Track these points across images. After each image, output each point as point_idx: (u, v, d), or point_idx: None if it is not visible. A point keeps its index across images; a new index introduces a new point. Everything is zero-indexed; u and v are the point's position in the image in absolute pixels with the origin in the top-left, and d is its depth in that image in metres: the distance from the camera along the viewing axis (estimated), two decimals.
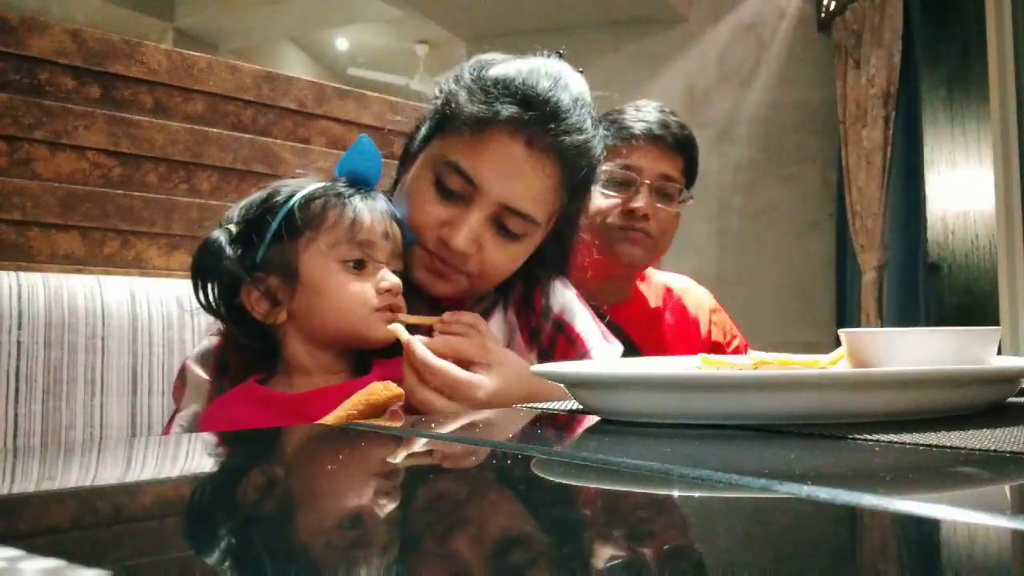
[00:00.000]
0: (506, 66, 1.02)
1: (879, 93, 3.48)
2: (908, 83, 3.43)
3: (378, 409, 0.84)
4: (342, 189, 0.97)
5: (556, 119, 0.99)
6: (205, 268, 0.95)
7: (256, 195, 0.99)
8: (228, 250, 0.94)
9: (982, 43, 3.10)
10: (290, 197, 0.96)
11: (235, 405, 0.93)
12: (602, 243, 1.47)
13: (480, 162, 0.98)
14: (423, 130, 1.08)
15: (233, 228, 0.96)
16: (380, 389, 0.84)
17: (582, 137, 1.01)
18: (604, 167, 1.45)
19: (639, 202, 1.48)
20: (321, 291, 0.93)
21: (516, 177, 0.98)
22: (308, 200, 0.95)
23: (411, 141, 1.11)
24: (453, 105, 1.00)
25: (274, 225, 0.94)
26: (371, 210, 0.96)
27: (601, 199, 1.48)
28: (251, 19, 6.56)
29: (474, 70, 1.03)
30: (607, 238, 1.48)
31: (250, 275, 0.94)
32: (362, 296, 0.93)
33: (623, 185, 1.49)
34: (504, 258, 1.03)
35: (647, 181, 1.49)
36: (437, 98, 1.06)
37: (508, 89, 0.98)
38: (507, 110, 0.97)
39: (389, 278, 0.95)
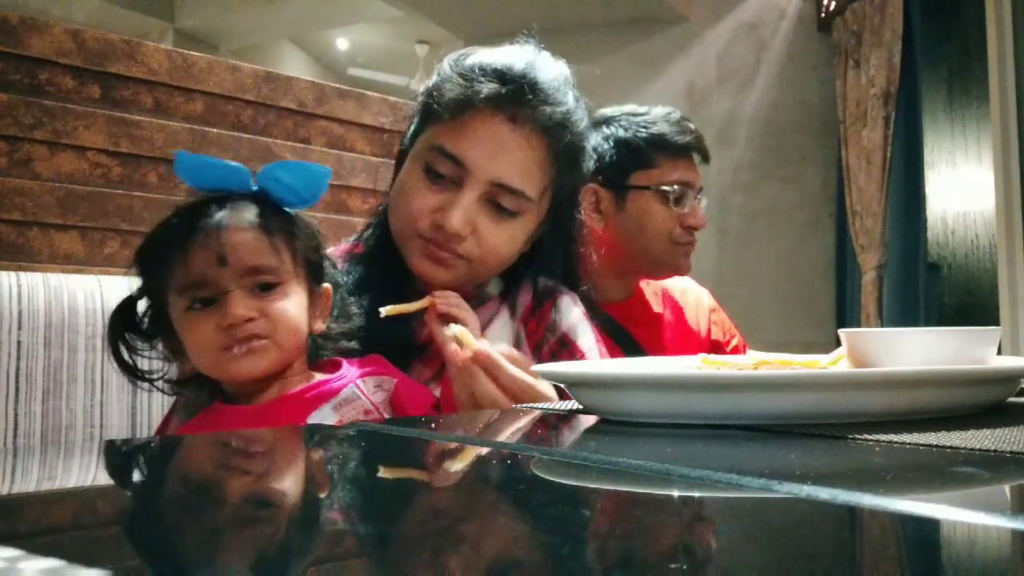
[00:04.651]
0: (482, 53, 1.06)
1: (879, 93, 3.48)
2: (908, 83, 3.43)
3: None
4: (183, 221, 0.91)
5: (534, 92, 1.01)
6: (116, 339, 0.94)
7: (140, 245, 0.96)
8: (126, 319, 0.94)
9: (982, 43, 3.11)
10: (147, 252, 0.93)
11: (204, 427, 0.92)
12: (659, 255, 1.51)
13: (466, 143, 1.00)
14: (410, 129, 1.10)
15: (135, 292, 0.96)
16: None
17: (562, 109, 1.03)
18: (673, 187, 1.47)
19: (699, 218, 1.52)
20: (184, 341, 0.91)
21: (503, 154, 1.00)
22: (154, 248, 0.92)
23: (401, 143, 1.13)
24: (436, 95, 1.02)
25: (145, 286, 0.93)
26: (197, 241, 0.89)
27: (663, 214, 1.50)
28: (251, 19, 6.55)
29: (453, 61, 1.06)
30: (667, 253, 1.51)
31: (152, 333, 0.94)
32: (202, 338, 0.89)
33: (680, 200, 1.51)
34: (502, 238, 1.04)
35: (694, 195, 1.53)
36: (422, 95, 1.08)
37: (485, 71, 1.01)
38: (487, 88, 0.99)
39: (230, 313, 0.88)
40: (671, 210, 1.50)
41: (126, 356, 0.94)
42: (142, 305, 0.96)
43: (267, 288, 0.90)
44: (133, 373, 0.95)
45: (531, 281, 1.14)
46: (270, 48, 7.32)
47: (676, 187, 1.49)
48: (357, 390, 0.92)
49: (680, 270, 1.57)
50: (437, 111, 1.02)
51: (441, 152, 1.01)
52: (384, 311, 0.94)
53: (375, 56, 7.29)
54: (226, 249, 0.88)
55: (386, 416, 0.93)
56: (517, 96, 1.00)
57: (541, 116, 1.01)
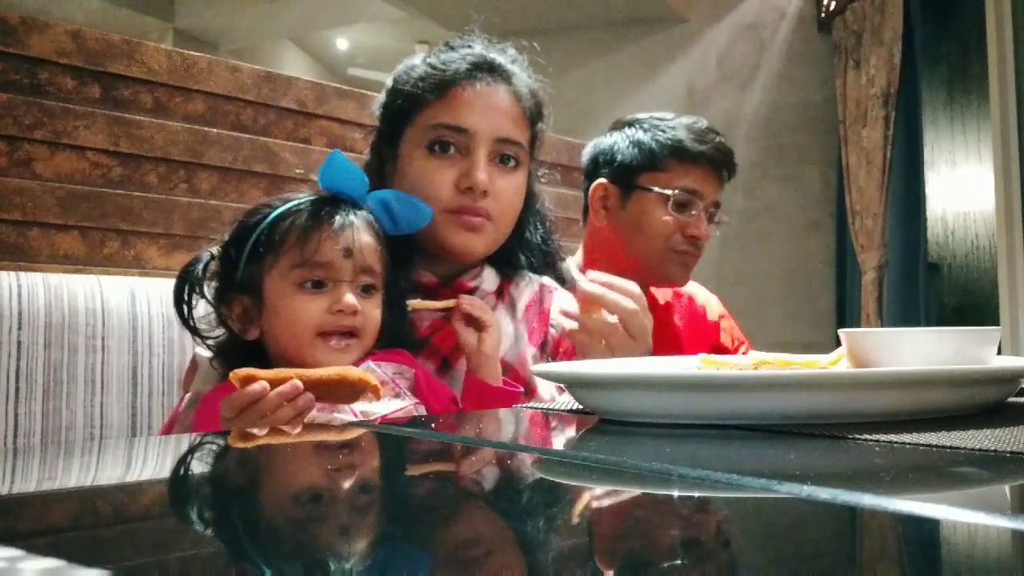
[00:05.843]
0: (435, 55, 1.17)
1: (879, 93, 3.48)
2: (908, 83, 3.43)
3: (345, 387, 0.88)
4: (316, 207, 0.99)
5: (500, 65, 1.16)
6: (182, 290, 1.00)
7: (245, 211, 1.03)
8: (202, 274, 1.00)
9: (982, 43, 3.10)
10: (263, 218, 0.99)
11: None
12: (655, 259, 1.50)
13: (463, 111, 1.10)
14: (383, 132, 1.17)
15: (215, 250, 1.01)
16: (356, 371, 0.88)
17: (524, 74, 1.18)
18: (674, 190, 1.47)
19: (702, 230, 1.50)
20: (277, 313, 0.97)
21: (495, 112, 1.12)
22: (278, 221, 0.98)
23: (377, 149, 1.19)
24: (420, 85, 1.12)
25: (247, 248, 0.98)
26: (333, 229, 0.97)
27: (663, 217, 1.49)
28: (251, 19, 6.55)
29: (421, 60, 1.16)
30: (661, 258, 1.50)
31: (226, 295, 0.99)
32: (306, 315, 0.96)
33: (685, 208, 1.50)
34: (513, 191, 1.14)
35: (704, 207, 1.50)
36: (386, 105, 1.17)
37: (455, 57, 1.14)
38: (465, 65, 1.13)
39: (343, 299, 0.96)
40: (671, 215, 1.48)
41: (191, 316, 1.01)
42: (212, 267, 1.02)
43: (367, 290, 1.00)
44: (193, 330, 1.02)
45: (526, 277, 1.20)
46: (270, 48, 7.32)
47: (677, 191, 1.48)
48: (372, 365, 0.98)
49: (673, 279, 1.54)
50: (423, 97, 1.11)
51: (443, 127, 1.10)
52: (411, 304, 1.03)
53: (375, 56, 7.28)
54: (354, 244, 0.98)
55: (408, 396, 0.99)
56: (490, 68, 1.14)
57: (512, 80, 1.15)
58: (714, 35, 4.22)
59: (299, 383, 0.85)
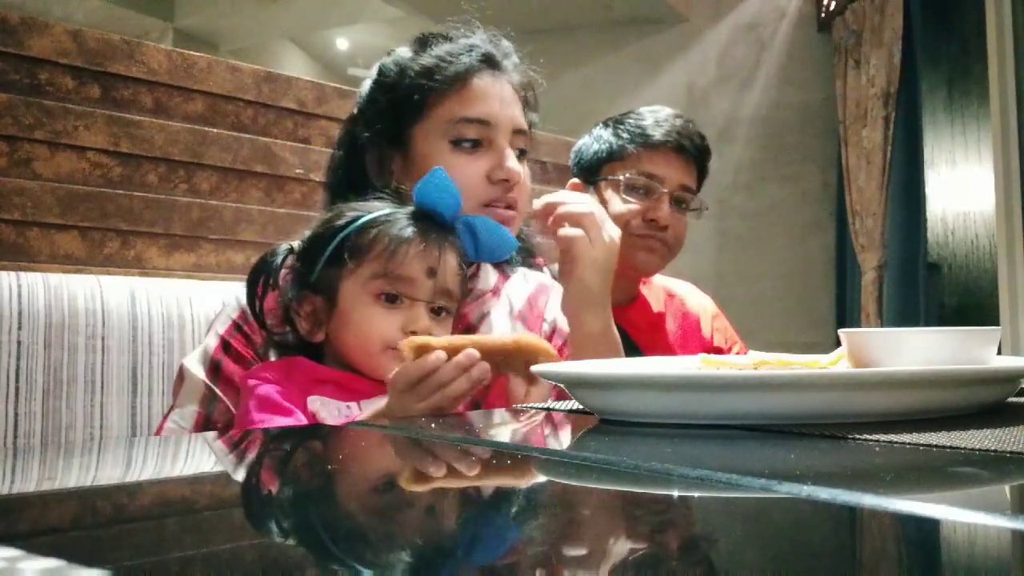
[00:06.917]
0: (439, 43, 1.15)
1: (879, 93, 3.48)
2: (908, 83, 3.43)
3: (520, 355, 0.86)
4: (408, 221, 0.96)
5: (500, 54, 1.17)
6: (257, 280, 0.98)
7: (329, 213, 1.01)
8: (279, 267, 0.98)
9: (982, 43, 3.10)
10: (351, 222, 0.96)
11: (290, 370, 0.94)
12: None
13: (482, 103, 1.11)
14: (385, 131, 1.13)
15: (296, 245, 0.99)
16: (531, 337, 0.87)
17: (521, 66, 1.19)
18: (625, 175, 1.48)
19: (661, 212, 1.49)
20: (349, 320, 0.95)
21: (507, 102, 1.13)
22: (364, 228, 0.96)
23: (376, 149, 1.15)
24: (433, 80, 1.10)
25: (328, 249, 0.96)
26: (422, 246, 0.95)
27: (620, 204, 1.49)
28: (251, 19, 6.56)
29: (415, 52, 1.15)
30: (624, 244, 1.49)
31: (299, 294, 0.97)
32: (379, 329, 0.93)
33: (644, 192, 1.50)
34: (528, 180, 1.15)
35: (668, 191, 1.50)
36: (387, 100, 1.13)
37: (459, 48, 1.14)
38: (474, 58, 1.12)
39: (419, 322, 0.94)
40: (629, 200, 1.49)
41: (257, 305, 0.99)
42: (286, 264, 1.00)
43: (438, 312, 0.97)
44: (261, 323, 0.99)
45: (522, 274, 1.20)
46: (270, 48, 7.32)
47: (630, 175, 1.49)
48: None
49: (639, 266, 1.51)
50: (437, 91, 1.10)
51: (466, 120, 1.10)
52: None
53: (375, 56, 7.24)
54: (439, 265, 0.96)
55: None
56: (492, 59, 1.14)
57: (513, 69, 1.16)
58: (714, 35, 4.22)
59: (475, 352, 0.83)
